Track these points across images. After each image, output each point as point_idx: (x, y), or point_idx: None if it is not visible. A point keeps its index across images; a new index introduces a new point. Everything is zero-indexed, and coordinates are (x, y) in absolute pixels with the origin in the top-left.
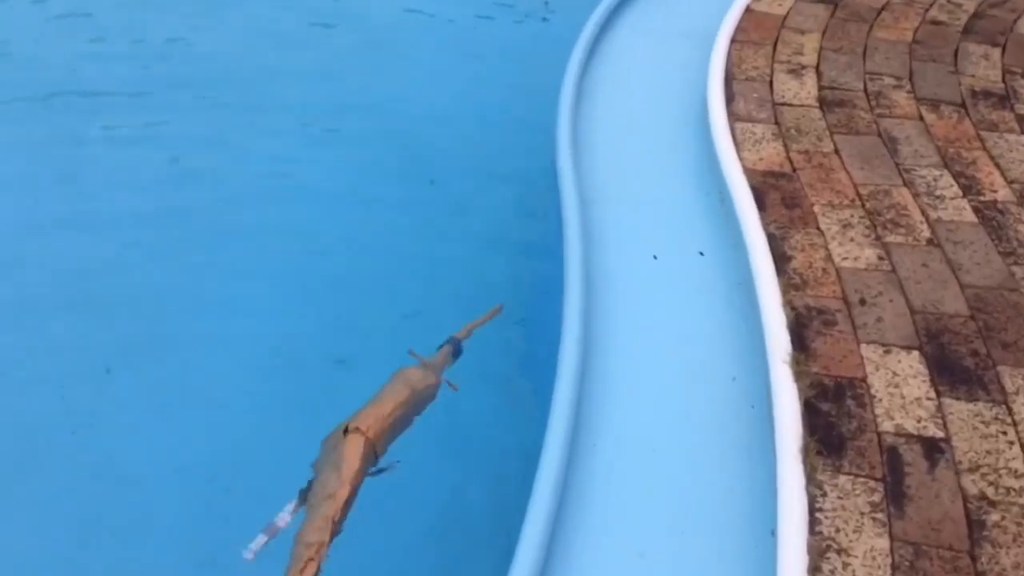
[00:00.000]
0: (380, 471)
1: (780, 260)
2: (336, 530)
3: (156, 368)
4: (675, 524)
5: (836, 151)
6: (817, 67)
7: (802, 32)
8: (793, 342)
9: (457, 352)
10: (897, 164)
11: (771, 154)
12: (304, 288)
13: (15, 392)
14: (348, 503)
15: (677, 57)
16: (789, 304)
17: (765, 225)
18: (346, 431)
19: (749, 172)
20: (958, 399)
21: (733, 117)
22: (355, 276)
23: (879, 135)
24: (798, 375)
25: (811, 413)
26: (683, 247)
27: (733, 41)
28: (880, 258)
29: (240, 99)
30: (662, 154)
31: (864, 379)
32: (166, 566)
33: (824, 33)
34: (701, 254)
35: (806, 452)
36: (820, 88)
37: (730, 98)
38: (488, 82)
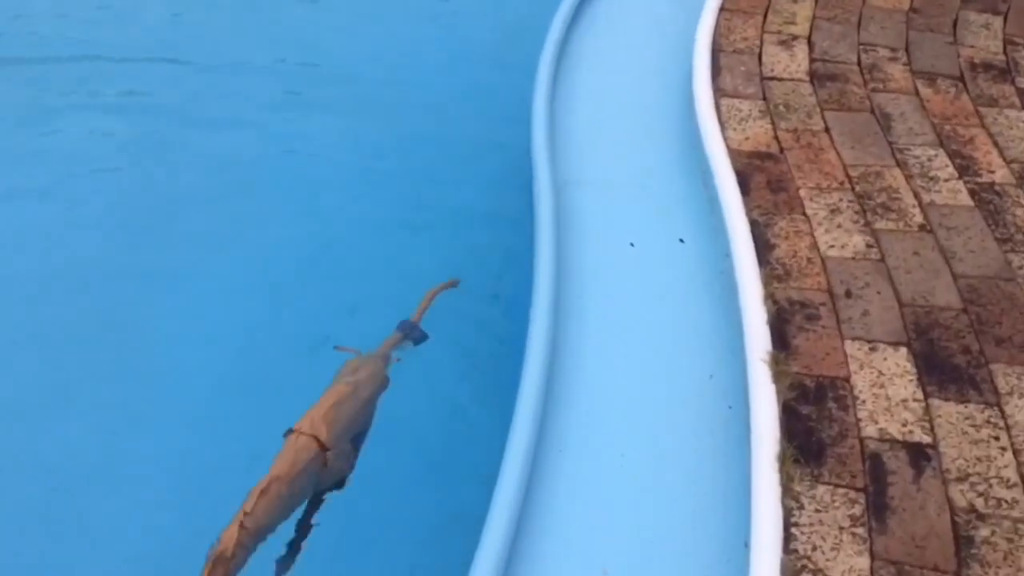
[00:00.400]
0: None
1: (763, 249)
2: (252, 526)
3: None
4: (642, 534)
5: (826, 129)
6: (809, 38)
7: (795, 0)
8: (773, 339)
9: (414, 335)
10: (890, 143)
11: (758, 133)
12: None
13: None
14: (267, 499)
15: (664, 27)
16: (771, 297)
17: (748, 211)
18: (285, 435)
19: (734, 153)
20: (947, 400)
21: (719, 93)
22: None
23: (872, 112)
24: (777, 375)
25: (790, 417)
26: (662, 233)
27: (722, 10)
28: (869, 246)
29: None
30: (644, 133)
31: (847, 379)
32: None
33: (818, 1)
34: (681, 241)
35: (783, 460)
36: (811, 60)
37: (716, 72)
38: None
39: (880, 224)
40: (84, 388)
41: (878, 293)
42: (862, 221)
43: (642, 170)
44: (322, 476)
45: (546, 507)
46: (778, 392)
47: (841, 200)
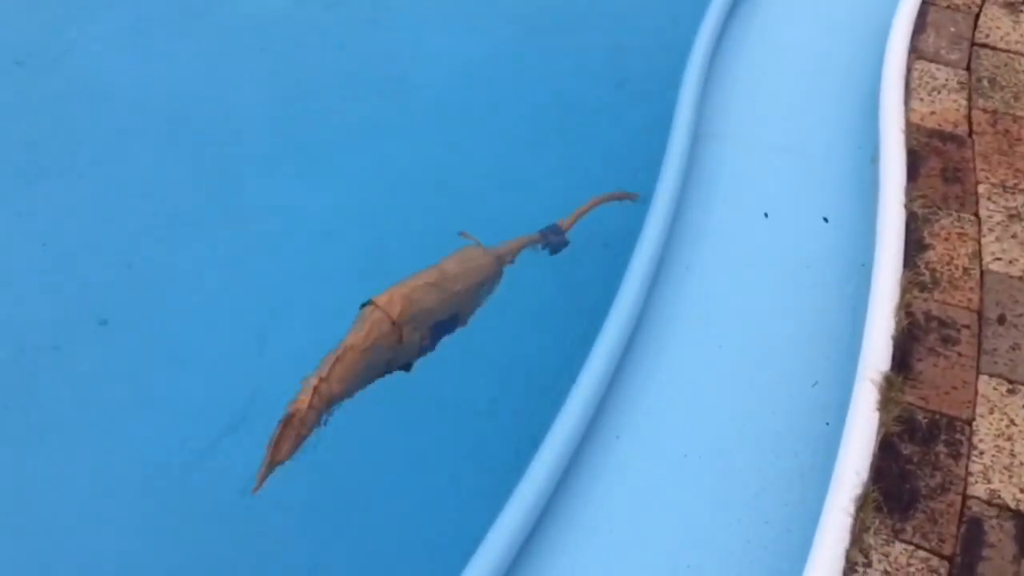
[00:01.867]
0: (399, 340)
1: (913, 248)
2: (326, 392)
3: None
4: (682, 555)
5: None
6: None
7: None
8: (894, 358)
9: (555, 241)
10: None
11: (948, 108)
12: None
13: None
14: (342, 367)
15: None
16: (906, 307)
17: (909, 200)
18: (362, 306)
19: (912, 127)
20: None
21: (915, 54)
22: None
23: None
24: (886, 402)
25: (886, 454)
26: (805, 208)
27: None
28: None
29: None
30: (817, 89)
31: (970, 422)
32: None
33: None
34: (825, 220)
35: (863, 503)
36: None
37: (919, 28)
38: None
39: None
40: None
41: None
42: None
43: (800, 131)
44: (395, 354)
45: (584, 498)
46: (881, 422)
47: None
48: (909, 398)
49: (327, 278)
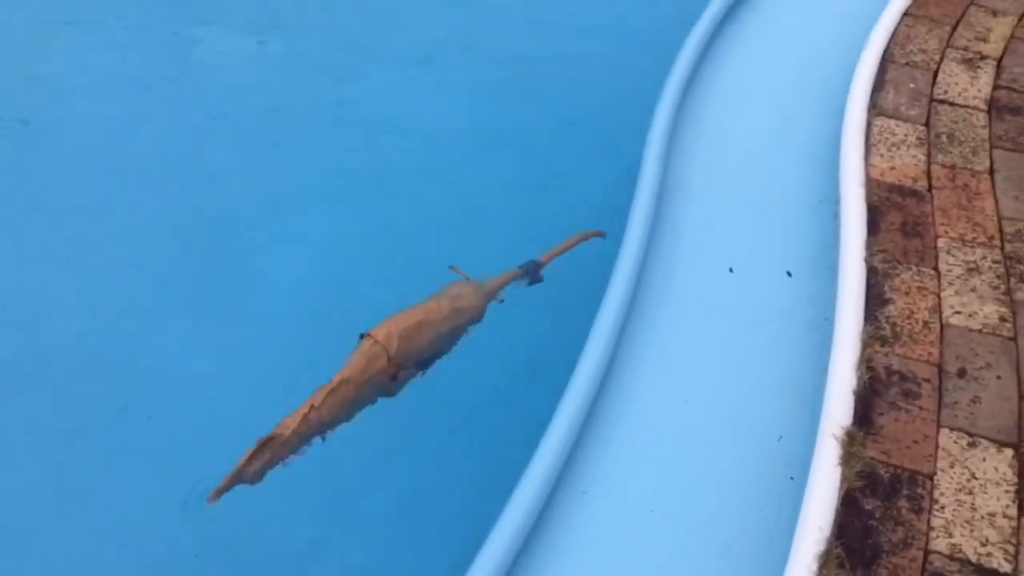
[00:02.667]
0: (394, 378)
1: (874, 302)
2: (315, 419)
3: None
4: None
5: (991, 171)
6: (1000, 60)
7: (994, 13)
8: (856, 413)
9: (533, 275)
10: None
11: (907, 163)
12: None
13: None
14: (335, 398)
15: (832, 26)
16: (868, 362)
17: (870, 254)
18: (361, 337)
19: (873, 183)
20: None
21: (875, 111)
22: None
23: None
24: (848, 457)
25: (849, 509)
26: (770, 263)
27: (906, 14)
28: (1002, 319)
29: None
30: (777, 143)
31: (931, 476)
32: None
33: (1022, 17)
34: (789, 274)
35: (825, 560)
36: (995, 87)
37: (879, 85)
38: None
39: (1023, 294)
40: None
41: (998, 378)
42: (1002, 288)
43: (764, 186)
44: (387, 389)
45: (552, 553)
46: (844, 476)
47: (984, 259)
48: (871, 452)
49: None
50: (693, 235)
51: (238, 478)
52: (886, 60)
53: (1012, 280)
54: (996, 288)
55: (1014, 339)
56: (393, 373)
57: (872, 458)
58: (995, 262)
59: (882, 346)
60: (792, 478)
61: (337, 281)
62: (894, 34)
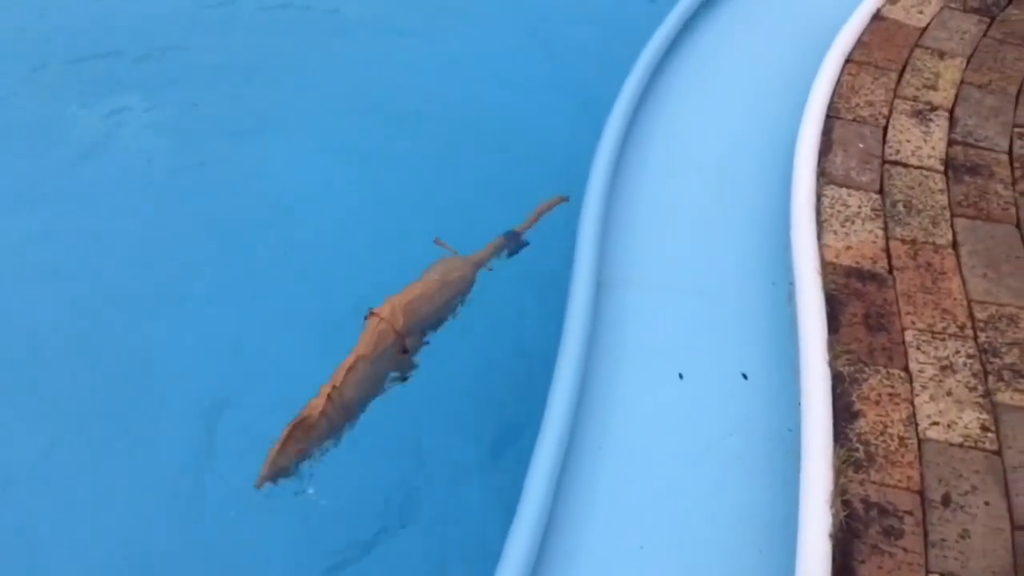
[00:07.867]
0: (405, 351)
1: (843, 417)
2: (338, 399)
3: None
4: None
5: (954, 243)
6: (951, 110)
7: (942, 55)
8: (834, 561)
9: (517, 243)
10: None
11: (864, 240)
12: None
13: None
14: (354, 375)
15: (771, 80)
16: (842, 494)
17: (833, 357)
18: (367, 316)
19: (829, 267)
20: None
21: (824, 179)
22: None
23: (1018, 224)
24: None
25: None
26: (722, 363)
27: (848, 61)
28: (984, 428)
29: None
30: (721, 223)
31: None
32: None
33: (970, 59)
34: (744, 377)
35: None
36: (950, 142)
37: (826, 147)
38: None
39: (1004, 395)
40: None
41: (986, 504)
42: (981, 388)
43: (709, 267)
44: (399, 362)
45: None
46: None
47: (958, 354)
48: None
49: None
50: (637, 335)
51: (275, 463)
52: (831, 116)
53: (990, 379)
54: (973, 390)
55: (999, 452)
56: (402, 346)
57: None
58: (969, 357)
59: (856, 472)
60: None
61: None
62: (838, 84)
